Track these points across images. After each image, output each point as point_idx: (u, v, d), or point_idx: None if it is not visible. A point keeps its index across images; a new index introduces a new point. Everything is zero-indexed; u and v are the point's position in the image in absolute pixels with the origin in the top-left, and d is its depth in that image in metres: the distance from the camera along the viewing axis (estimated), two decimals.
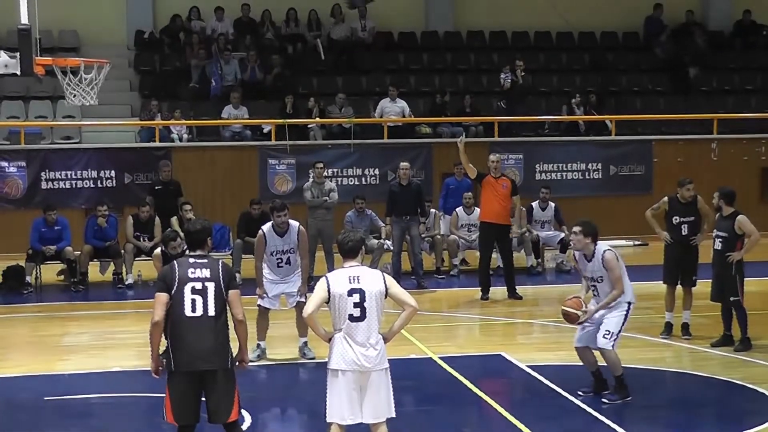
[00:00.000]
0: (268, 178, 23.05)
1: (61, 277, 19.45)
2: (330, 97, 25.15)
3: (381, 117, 24.27)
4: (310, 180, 19.43)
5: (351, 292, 8.53)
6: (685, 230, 14.15)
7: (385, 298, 8.72)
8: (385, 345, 8.73)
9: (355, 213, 19.92)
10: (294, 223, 13.02)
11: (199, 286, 8.40)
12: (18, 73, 12.75)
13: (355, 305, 8.52)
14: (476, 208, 19.95)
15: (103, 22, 27.13)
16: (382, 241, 19.54)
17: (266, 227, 13.02)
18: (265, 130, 23.93)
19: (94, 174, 22.39)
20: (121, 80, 25.85)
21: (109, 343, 14.65)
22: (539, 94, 26.99)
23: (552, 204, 20.72)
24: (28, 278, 18.68)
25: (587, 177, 24.21)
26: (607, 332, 11.07)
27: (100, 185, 22.33)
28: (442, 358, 13.20)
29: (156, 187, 20.31)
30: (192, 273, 8.45)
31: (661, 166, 23.96)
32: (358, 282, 8.57)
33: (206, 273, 8.47)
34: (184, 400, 8.43)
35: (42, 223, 18.88)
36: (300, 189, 20.29)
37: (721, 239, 13.40)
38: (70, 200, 22.02)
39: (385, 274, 8.89)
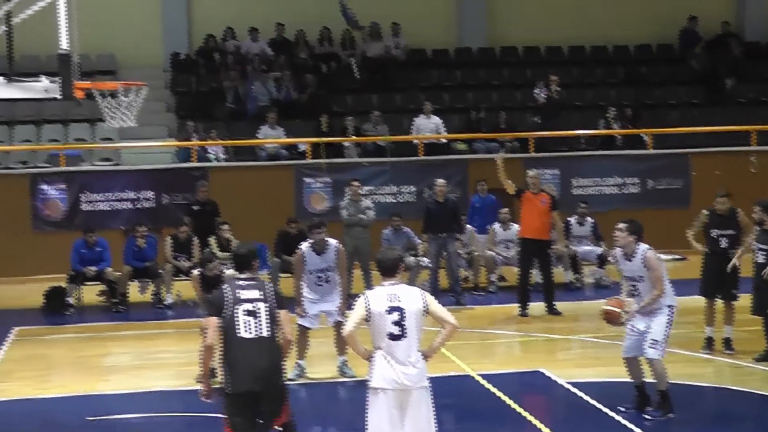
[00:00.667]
0: (304, 197, 23.12)
1: (102, 298, 19.57)
2: (365, 115, 25.20)
3: (416, 134, 24.29)
4: (346, 198, 19.46)
5: (390, 311, 8.51)
6: (723, 243, 14.05)
7: (425, 315, 8.69)
8: (425, 363, 8.70)
9: (392, 231, 19.94)
10: (332, 242, 13.03)
11: (250, 307, 8.52)
12: (59, 97, 12.85)
13: (395, 323, 8.50)
14: (513, 224, 19.94)
15: (139, 45, 27.33)
16: (419, 258, 19.54)
17: (305, 246, 13.01)
18: (300, 149, 24.00)
19: (133, 195, 22.56)
20: (158, 102, 26.02)
21: (150, 363, 14.71)
22: (574, 109, 26.92)
23: (590, 219, 20.65)
24: (69, 299, 18.80)
25: (624, 191, 24.10)
26: (654, 342, 11.00)
27: (138, 206, 22.50)
28: (481, 375, 13.17)
29: (194, 207, 20.41)
30: (243, 295, 8.56)
31: (698, 179, 23.81)
32: (398, 300, 8.55)
33: (257, 294, 8.59)
34: (245, 420, 8.50)
35: (82, 245, 19.02)
36: (336, 207, 20.32)
37: (763, 252, 13.31)
38: (109, 221, 22.19)
39: (424, 291, 8.88)
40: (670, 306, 11.12)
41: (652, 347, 11.00)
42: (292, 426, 8.90)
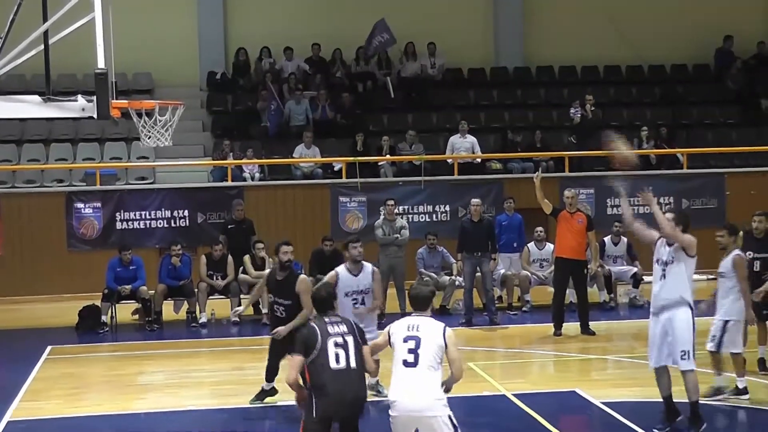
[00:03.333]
0: (339, 216, 23.14)
1: (136, 317, 19.63)
2: (400, 135, 25.22)
3: (451, 153, 24.29)
4: (381, 217, 19.47)
5: (407, 339, 8.82)
6: (757, 266, 13.89)
7: (444, 351, 8.87)
8: (440, 394, 8.85)
9: (427, 249, 19.95)
10: (368, 265, 12.95)
11: (340, 340, 8.97)
12: (95, 116, 12.92)
13: (409, 351, 8.77)
14: (548, 243, 19.87)
15: (176, 64, 27.51)
16: (453, 277, 19.51)
17: (341, 268, 12.93)
18: (336, 168, 24.05)
19: (168, 214, 22.65)
20: (194, 121, 26.17)
21: (184, 382, 14.73)
22: (609, 128, 26.77)
23: (624, 239, 20.55)
24: (104, 318, 18.85)
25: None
26: (683, 353, 10.94)
27: (173, 225, 22.58)
28: (515, 395, 13.10)
29: (229, 226, 20.45)
30: (332, 329, 9.03)
31: (733, 199, 23.67)
32: (417, 330, 8.84)
33: (344, 329, 9.07)
34: None
35: (117, 263, 19.10)
36: (371, 226, 20.32)
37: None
38: (144, 240, 22.29)
39: (448, 330, 8.96)
40: (690, 307, 11.05)
41: (684, 358, 10.95)
42: None
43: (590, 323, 17.56)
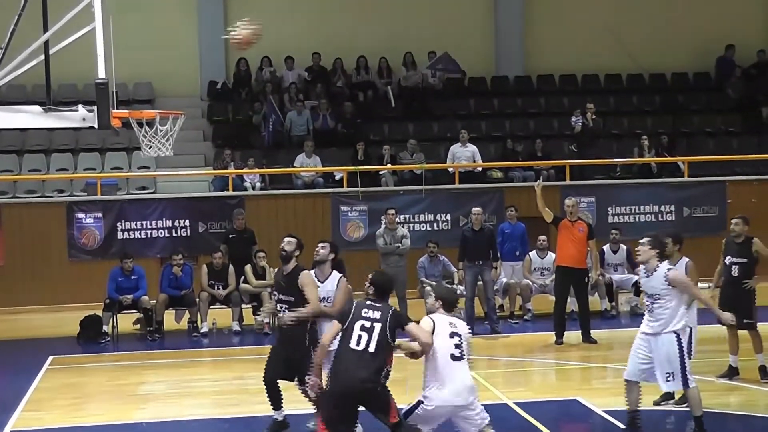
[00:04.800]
0: (340, 225, 23.13)
1: (137, 327, 19.62)
2: (401, 144, 25.23)
3: (452, 162, 24.30)
4: (383, 226, 19.46)
5: (452, 335, 9.90)
6: (735, 271, 13.91)
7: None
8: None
9: (428, 258, 19.95)
10: (337, 273, 12.08)
11: (368, 324, 9.72)
12: (96, 126, 12.91)
13: (456, 346, 9.86)
14: (549, 252, 19.87)
15: (176, 74, 27.55)
16: (455, 286, 19.50)
17: (312, 272, 12.01)
18: (337, 178, 24.05)
19: (169, 223, 22.64)
20: (195, 130, 26.19)
21: (186, 392, 14.71)
22: (610, 137, 26.87)
23: (624, 247, 20.56)
24: (105, 327, 18.84)
25: (660, 219, 23.95)
26: (668, 375, 10.98)
27: (174, 234, 22.57)
28: (517, 404, 13.08)
29: (230, 236, 20.42)
30: (365, 313, 9.82)
31: (735, 207, 23.56)
32: (457, 328, 10.01)
33: (377, 315, 9.79)
34: (338, 415, 9.68)
35: (119, 273, 19.10)
36: (372, 236, 20.32)
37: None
38: (145, 250, 22.27)
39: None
40: (677, 333, 10.96)
41: (669, 380, 10.99)
42: (404, 427, 9.77)
43: (592, 331, 17.55)
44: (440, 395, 9.73)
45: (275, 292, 12.01)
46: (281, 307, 11.66)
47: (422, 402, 9.83)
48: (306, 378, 10.36)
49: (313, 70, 27.59)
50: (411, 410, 9.86)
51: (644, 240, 11.20)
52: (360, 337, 9.62)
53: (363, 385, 9.54)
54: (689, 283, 11.14)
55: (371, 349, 9.59)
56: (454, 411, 9.79)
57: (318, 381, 10.11)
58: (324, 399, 9.87)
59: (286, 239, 12.08)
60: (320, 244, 12.11)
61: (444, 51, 27.68)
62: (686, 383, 10.98)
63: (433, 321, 9.90)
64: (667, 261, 12.46)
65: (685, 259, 12.60)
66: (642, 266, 11.25)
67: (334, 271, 12.00)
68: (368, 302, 9.93)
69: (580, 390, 14.04)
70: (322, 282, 11.79)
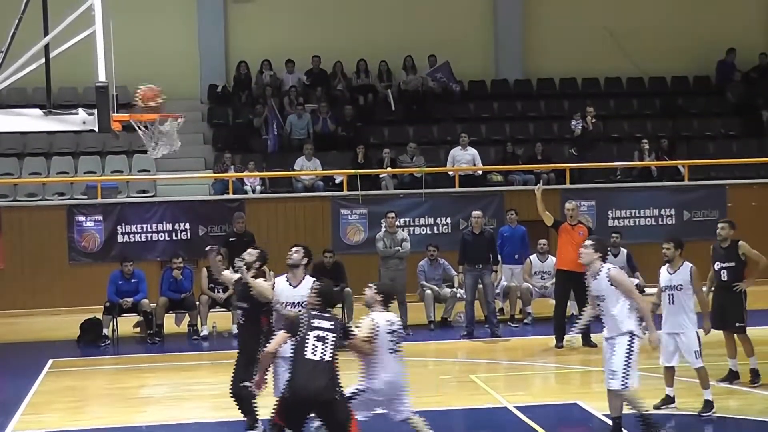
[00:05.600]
0: (340, 228, 23.13)
1: (137, 330, 19.62)
2: (401, 147, 25.23)
3: (452, 166, 24.30)
4: (383, 230, 19.45)
5: (390, 332, 10.43)
6: (724, 276, 13.93)
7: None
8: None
9: (428, 262, 19.95)
10: (310, 278, 11.63)
11: (321, 334, 9.80)
12: (96, 130, 12.92)
13: (392, 342, 10.42)
14: (550, 255, 19.86)
15: (176, 77, 27.40)
16: (455, 290, 19.51)
17: (281, 277, 11.69)
18: (337, 181, 24.05)
19: (169, 227, 22.64)
20: (195, 134, 26.17)
21: (186, 395, 14.71)
22: (610, 141, 26.87)
23: (624, 250, 20.55)
24: (105, 331, 18.84)
25: (660, 223, 23.97)
26: (611, 372, 11.05)
27: (174, 238, 22.57)
28: (517, 408, 13.08)
29: (230, 239, 20.39)
30: (317, 323, 9.86)
31: (735, 210, 23.62)
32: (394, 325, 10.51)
33: (328, 325, 9.90)
34: (294, 421, 9.89)
35: (119, 276, 19.10)
36: (372, 239, 20.31)
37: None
38: (145, 253, 22.27)
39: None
40: (631, 333, 11.03)
41: (611, 378, 11.05)
42: None
43: (592, 335, 17.52)
44: (379, 386, 10.30)
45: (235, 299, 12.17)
46: (239, 315, 11.82)
47: (363, 391, 10.32)
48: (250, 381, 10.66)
49: (312, 73, 27.59)
50: (349, 399, 10.14)
51: (588, 243, 11.32)
52: (315, 347, 9.72)
53: (323, 394, 9.65)
54: (630, 287, 11.19)
55: (327, 358, 9.73)
56: (389, 402, 10.40)
57: (264, 379, 10.30)
58: (282, 405, 9.93)
59: (250, 250, 12.00)
60: (293, 249, 11.83)
61: (445, 60, 27.62)
62: (624, 385, 10.97)
63: (375, 323, 10.31)
64: (668, 265, 12.53)
65: (688, 264, 12.60)
66: (587, 270, 11.29)
67: (307, 276, 11.68)
68: (317, 312, 9.99)
69: (580, 394, 14.04)
70: (294, 287, 11.44)
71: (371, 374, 10.34)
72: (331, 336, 9.80)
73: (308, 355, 9.70)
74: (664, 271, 12.69)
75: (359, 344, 10.20)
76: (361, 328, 10.35)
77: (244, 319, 11.60)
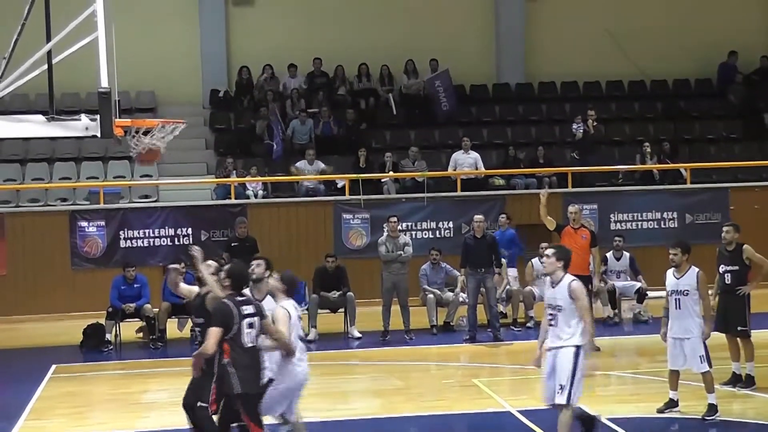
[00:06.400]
0: (342, 233, 23.14)
1: (140, 335, 19.61)
2: (403, 151, 25.24)
3: (454, 170, 24.31)
4: (385, 234, 19.43)
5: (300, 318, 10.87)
6: (728, 279, 13.93)
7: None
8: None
9: (430, 266, 19.95)
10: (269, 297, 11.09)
11: (251, 320, 10.00)
12: (98, 135, 12.92)
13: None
14: None
15: (178, 83, 27.55)
16: (457, 293, 19.49)
17: (245, 291, 10.48)
18: (339, 185, 24.06)
19: (171, 232, 22.68)
20: (197, 139, 26.22)
21: None
22: (612, 144, 26.89)
23: (627, 254, 20.56)
24: (108, 336, 18.86)
25: (663, 226, 23.97)
26: (560, 387, 10.65)
27: (177, 243, 22.57)
28: (520, 412, 13.08)
29: (232, 244, 20.39)
30: (244, 310, 9.99)
31: (737, 213, 23.58)
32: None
33: (252, 309, 10.06)
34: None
35: (121, 281, 19.11)
36: (374, 243, 20.30)
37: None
38: (148, 258, 22.28)
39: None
40: (578, 346, 10.65)
41: (558, 393, 10.64)
42: None
43: (595, 339, 17.50)
44: (295, 375, 10.47)
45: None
46: (196, 330, 11.71)
47: (272, 380, 10.36)
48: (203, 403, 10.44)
49: (314, 76, 27.56)
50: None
51: (550, 251, 10.98)
52: (248, 334, 9.83)
53: (265, 382, 10.05)
54: (587, 306, 10.81)
55: (258, 342, 9.93)
56: (300, 391, 10.62)
57: (200, 361, 10.18)
58: (243, 403, 9.88)
59: (210, 262, 11.21)
60: (255, 262, 11.31)
61: (446, 64, 27.59)
62: (569, 399, 10.62)
63: (288, 311, 10.43)
64: (675, 269, 12.47)
65: (695, 269, 12.53)
66: (547, 277, 11.03)
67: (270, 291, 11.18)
68: (238, 299, 9.93)
69: (582, 398, 13.99)
70: (260, 301, 10.78)
71: (284, 365, 10.42)
72: (257, 320, 9.91)
73: (247, 344, 9.80)
74: (670, 275, 12.62)
75: (275, 330, 10.16)
76: (277, 318, 10.34)
77: (202, 336, 10.79)
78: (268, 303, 10.81)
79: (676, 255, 12.56)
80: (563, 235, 17.37)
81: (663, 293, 12.95)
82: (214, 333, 9.71)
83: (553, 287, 10.85)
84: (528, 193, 23.23)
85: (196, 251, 11.18)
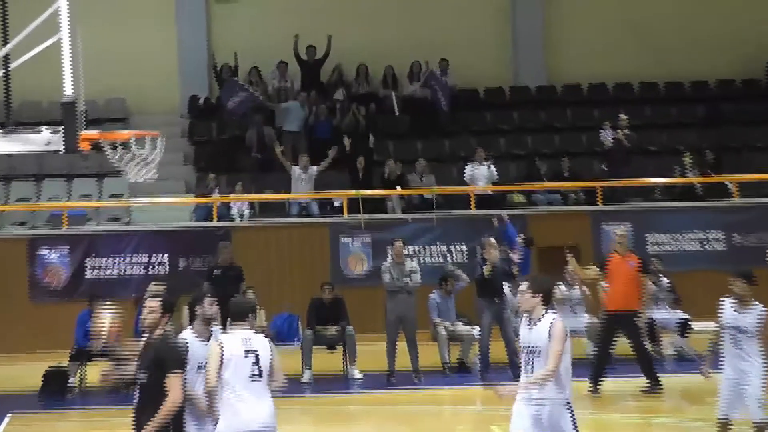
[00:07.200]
0: (340, 259, 23.10)
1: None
2: (409, 164, 25.21)
3: (467, 185, 24.28)
4: (389, 260, 19.34)
5: (248, 352, 9.75)
6: None
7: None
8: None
9: (440, 295, 19.85)
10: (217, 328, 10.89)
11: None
12: (62, 151, 12.90)
13: (254, 364, 9.74)
14: (580, 285, 19.75)
15: (153, 89, 27.53)
16: (472, 327, 19.40)
17: (187, 332, 10.58)
18: (335, 204, 24.02)
19: (145, 259, 22.64)
20: (174, 152, 26.12)
21: None
22: (647, 154, 26.85)
23: (665, 279, 20.43)
24: (71, 380, 18.77)
25: (707, 248, 23.91)
26: None
27: (151, 271, 22.50)
28: None
29: (214, 273, 20.30)
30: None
31: None
32: (251, 344, 9.81)
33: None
34: None
35: (87, 317, 18.97)
36: (377, 270, 20.26)
37: None
38: (118, 289, 22.09)
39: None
40: (568, 402, 9.98)
41: None
42: None
43: (630, 378, 17.39)
44: (235, 423, 9.62)
45: None
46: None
47: None
48: None
49: (307, 64, 27.45)
50: None
51: (524, 286, 10.16)
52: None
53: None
54: (560, 350, 9.83)
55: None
56: None
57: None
58: None
59: (150, 303, 10.39)
60: (207, 301, 10.66)
61: (448, 66, 27.64)
62: None
63: (221, 346, 9.76)
64: (735, 301, 12.09)
65: (760, 306, 11.99)
66: (524, 316, 10.24)
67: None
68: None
69: None
70: (208, 343, 10.30)
71: (225, 412, 9.66)
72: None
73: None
74: (728, 307, 12.24)
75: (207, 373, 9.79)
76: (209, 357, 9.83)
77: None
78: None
79: (741, 287, 12.17)
80: (609, 264, 17.18)
81: (710, 326, 12.79)
82: (175, 378, 9.53)
83: (531, 327, 10.01)
84: (551, 212, 23.17)
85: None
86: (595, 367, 17.38)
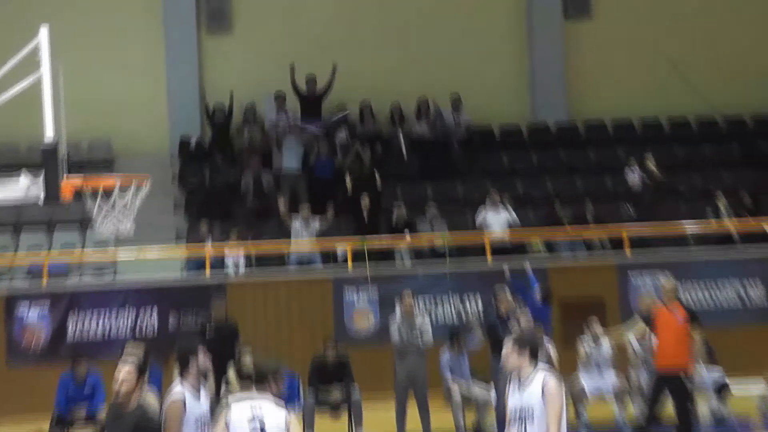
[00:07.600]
0: (344, 314, 23.06)
1: None
2: (418, 209, 25.18)
3: (482, 232, 24.24)
4: (397, 315, 19.25)
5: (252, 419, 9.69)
6: None
7: None
8: None
9: (451, 353, 19.73)
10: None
11: None
12: (42, 200, 12.89)
13: None
14: (605, 341, 19.67)
15: (140, 130, 27.59)
16: (488, 389, 19.30)
17: (178, 388, 10.51)
18: (339, 254, 23.99)
19: (132, 317, 22.59)
20: (164, 198, 26.11)
21: None
22: (678, 197, 26.81)
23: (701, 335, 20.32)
24: None
25: (745, 300, 23.84)
26: None
27: (139, 330, 22.48)
28: None
29: (207, 332, 20.25)
30: None
31: None
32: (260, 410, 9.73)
33: None
34: None
35: (70, 381, 18.96)
36: (384, 326, 20.21)
37: None
38: (103, 350, 22.00)
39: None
40: None
41: None
42: None
43: None
44: None
45: None
46: None
47: None
48: None
49: (306, 97, 27.58)
50: None
51: (508, 343, 9.92)
52: None
53: None
54: (558, 411, 9.60)
55: None
56: None
57: None
58: None
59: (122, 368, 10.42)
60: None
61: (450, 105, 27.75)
62: None
63: (228, 417, 9.79)
64: None
65: None
66: (511, 377, 9.97)
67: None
68: None
69: None
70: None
71: None
72: None
73: None
74: None
75: None
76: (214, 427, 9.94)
77: None
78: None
79: None
80: (656, 317, 17.02)
81: (751, 386, 12.73)
82: None
83: (521, 388, 9.75)
84: (574, 263, 23.13)
85: None
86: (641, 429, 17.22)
